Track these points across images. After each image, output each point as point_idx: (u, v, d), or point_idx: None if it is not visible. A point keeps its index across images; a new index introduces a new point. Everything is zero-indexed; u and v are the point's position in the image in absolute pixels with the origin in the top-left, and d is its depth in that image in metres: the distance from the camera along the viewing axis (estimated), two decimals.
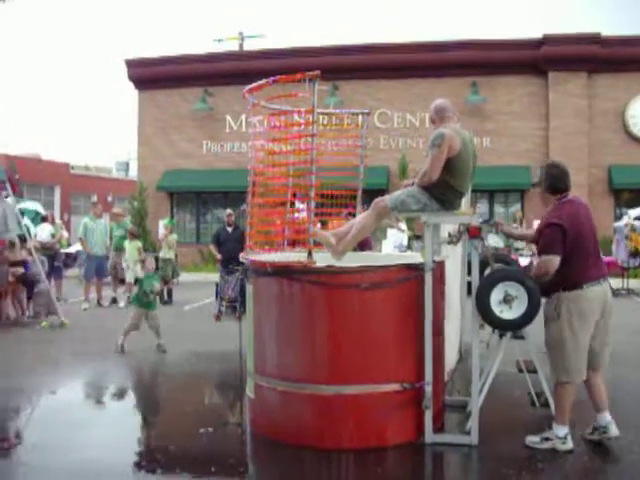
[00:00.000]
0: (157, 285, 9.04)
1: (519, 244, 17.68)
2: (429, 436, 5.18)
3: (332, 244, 5.64)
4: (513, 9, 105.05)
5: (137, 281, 9.04)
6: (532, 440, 5.12)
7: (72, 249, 20.28)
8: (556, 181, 5.14)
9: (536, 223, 19.91)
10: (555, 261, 4.91)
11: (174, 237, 14.85)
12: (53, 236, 15.24)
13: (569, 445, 5.00)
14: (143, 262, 9.28)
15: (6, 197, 12.24)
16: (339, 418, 5.13)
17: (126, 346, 8.73)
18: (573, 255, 4.92)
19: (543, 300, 5.09)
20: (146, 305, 8.87)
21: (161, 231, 17.24)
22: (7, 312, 11.99)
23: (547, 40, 21.05)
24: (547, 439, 5.07)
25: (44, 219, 16.30)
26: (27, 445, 5.54)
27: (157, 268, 13.73)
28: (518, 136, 21.49)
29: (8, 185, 12.05)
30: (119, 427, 6.03)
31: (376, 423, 5.17)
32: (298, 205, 6.67)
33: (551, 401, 5.48)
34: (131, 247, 13.93)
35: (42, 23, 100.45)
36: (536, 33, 33.65)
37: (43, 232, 15.04)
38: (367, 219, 5.67)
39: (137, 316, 8.85)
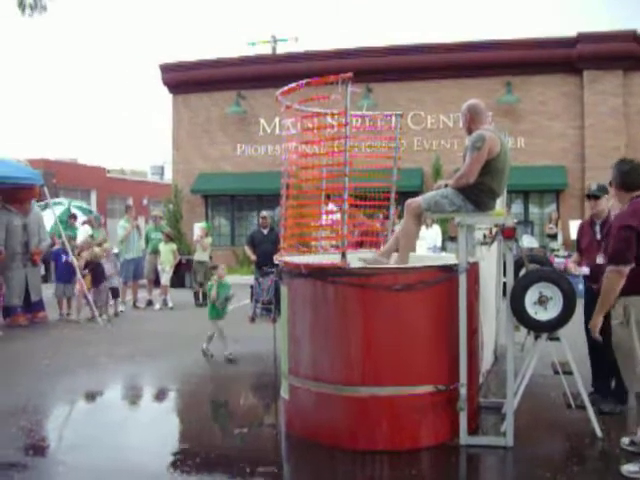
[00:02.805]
0: (230, 292, 9.02)
1: (554, 244, 17.53)
2: (464, 438, 5.17)
3: (385, 264, 5.68)
4: (546, 8, 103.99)
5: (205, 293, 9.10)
6: (631, 470, 4.60)
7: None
8: (627, 177, 4.87)
9: (572, 223, 19.77)
10: (625, 272, 4.59)
11: (209, 240, 14.93)
12: (92, 237, 15.44)
13: None
14: (214, 269, 9.29)
15: (41, 201, 12.50)
16: (373, 420, 5.14)
17: (211, 350, 8.78)
18: None
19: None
20: (216, 314, 8.89)
21: (196, 233, 17.35)
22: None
23: (582, 38, 20.76)
24: None
25: (75, 221, 16.46)
26: (65, 445, 5.67)
27: (194, 271, 13.89)
28: (553, 136, 21.21)
29: (46, 190, 12.28)
30: (155, 427, 6.11)
31: (410, 425, 5.17)
32: (332, 207, 6.70)
33: (587, 403, 5.43)
34: (166, 250, 14.07)
35: (78, 30, 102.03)
36: (570, 32, 33.23)
37: (83, 234, 15.24)
38: (407, 224, 5.69)
39: (212, 326, 8.87)
